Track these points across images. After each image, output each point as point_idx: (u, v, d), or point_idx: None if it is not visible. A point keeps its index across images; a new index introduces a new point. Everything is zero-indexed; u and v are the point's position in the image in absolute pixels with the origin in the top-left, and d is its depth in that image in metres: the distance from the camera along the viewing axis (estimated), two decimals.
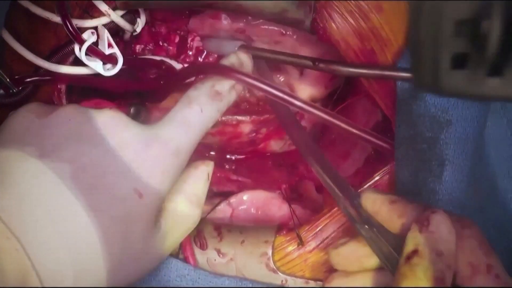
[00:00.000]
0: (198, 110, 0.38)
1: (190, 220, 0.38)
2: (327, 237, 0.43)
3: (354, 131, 0.43)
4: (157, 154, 0.34)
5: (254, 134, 0.55)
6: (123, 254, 0.32)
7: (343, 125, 0.43)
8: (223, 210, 0.48)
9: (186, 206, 0.38)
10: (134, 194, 0.33)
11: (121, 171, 0.33)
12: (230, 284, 0.41)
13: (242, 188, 0.51)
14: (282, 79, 0.53)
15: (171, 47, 0.53)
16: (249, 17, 0.49)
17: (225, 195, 0.49)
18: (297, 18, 0.41)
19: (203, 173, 0.40)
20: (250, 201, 0.48)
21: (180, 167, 0.36)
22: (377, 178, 0.43)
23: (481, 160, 0.39)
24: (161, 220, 0.36)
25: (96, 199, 0.31)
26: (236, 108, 0.54)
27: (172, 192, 0.37)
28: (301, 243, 0.42)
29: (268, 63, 0.52)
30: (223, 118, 0.54)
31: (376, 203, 0.35)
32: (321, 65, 0.41)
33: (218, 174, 0.53)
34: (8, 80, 0.42)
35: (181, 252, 0.42)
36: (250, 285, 0.41)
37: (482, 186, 0.40)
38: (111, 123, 0.34)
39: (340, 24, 0.40)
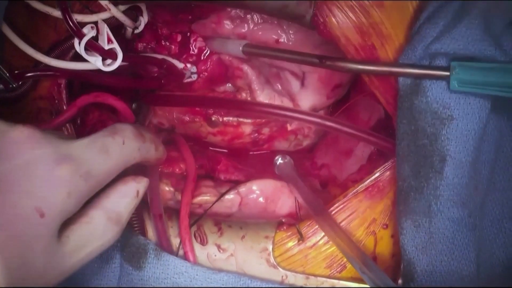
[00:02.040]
0: (120, 142, 0.37)
1: (106, 236, 0.37)
2: None
3: (355, 132, 0.43)
4: (65, 174, 0.34)
5: (256, 134, 0.55)
6: (23, 271, 0.32)
7: (344, 128, 0.43)
8: (232, 199, 0.47)
9: (102, 222, 0.37)
10: (35, 213, 0.32)
11: (25, 189, 0.32)
12: (228, 280, 0.41)
13: (249, 177, 0.50)
14: (283, 89, 0.53)
15: (173, 46, 0.53)
16: (251, 23, 0.49)
17: (232, 183, 0.48)
18: (297, 13, 0.41)
19: (131, 190, 0.39)
20: (260, 190, 0.47)
21: (89, 190, 0.35)
22: (377, 174, 0.43)
23: (482, 156, 0.39)
24: (69, 235, 0.35)
25: None
26: None
27: (90, 206, 0.37)
28: (301, 238, 0.42)
29: (271, 70, 0.51)
30: (224, 118, 0.54)
31: None
32: (328, 62, 0.40)
33: (225, 162, 0.53)
34: (7, 75, 0.42)
35: (181, 248, 0.42)
36: (249, 282, 0.41)
37: (482, 182, 0.40)
38: (23, 139, 0.34)
39: (341, 20, 0.40)
